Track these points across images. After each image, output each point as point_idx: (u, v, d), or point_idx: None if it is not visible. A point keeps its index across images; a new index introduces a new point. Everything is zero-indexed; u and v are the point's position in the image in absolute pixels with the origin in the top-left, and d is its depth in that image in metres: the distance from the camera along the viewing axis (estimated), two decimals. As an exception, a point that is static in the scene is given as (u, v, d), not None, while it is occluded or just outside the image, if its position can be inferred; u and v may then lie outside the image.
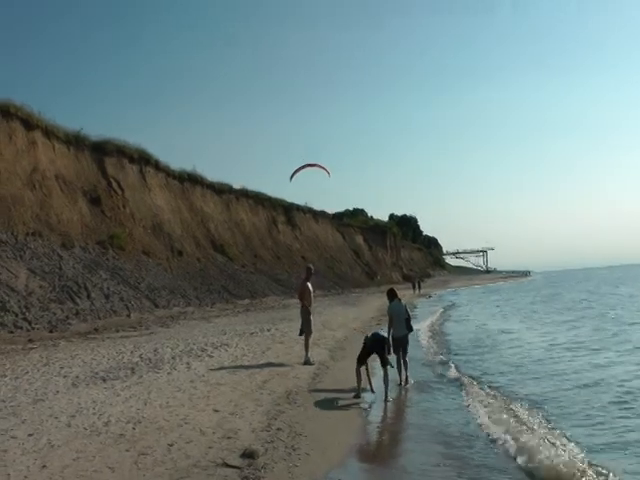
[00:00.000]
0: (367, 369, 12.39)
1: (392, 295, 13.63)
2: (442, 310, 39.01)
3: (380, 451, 8.86)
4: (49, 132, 34.22)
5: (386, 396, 11.56)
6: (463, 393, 12.29)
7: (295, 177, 25.51)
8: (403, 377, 13.20)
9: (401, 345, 13.23)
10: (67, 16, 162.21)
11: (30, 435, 8.02)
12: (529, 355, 17.85)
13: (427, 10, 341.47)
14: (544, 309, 38.17)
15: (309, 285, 15.63)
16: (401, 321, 13.27)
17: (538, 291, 69.50)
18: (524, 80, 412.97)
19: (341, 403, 11.06)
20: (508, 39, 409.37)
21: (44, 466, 6.87)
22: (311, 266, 16.43)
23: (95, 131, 43.52)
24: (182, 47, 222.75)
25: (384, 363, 11.83)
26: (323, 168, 24.96)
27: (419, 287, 68.38)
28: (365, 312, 32.36)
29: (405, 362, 13.35)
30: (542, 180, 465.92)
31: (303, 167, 24.71)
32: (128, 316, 26.05)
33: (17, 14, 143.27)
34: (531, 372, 14.84)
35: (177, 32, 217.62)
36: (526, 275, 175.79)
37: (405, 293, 58.25)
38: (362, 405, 11.10)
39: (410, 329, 13.59)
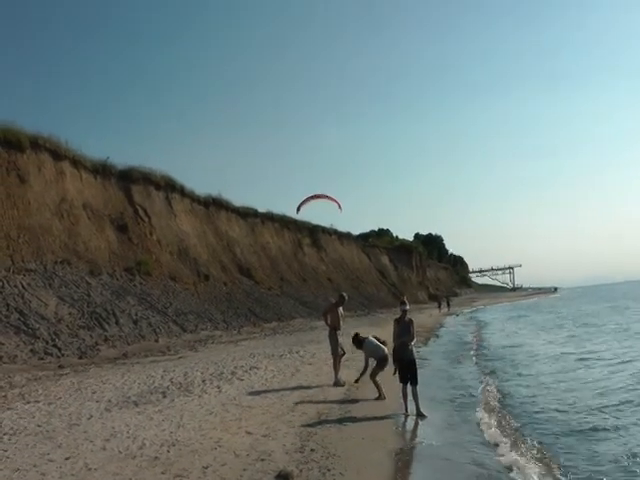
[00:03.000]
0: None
1: (358, 341, 14.26)
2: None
3: (415, 473, 8.79)
4: (77, 162, 34.71)
5: (418, 410, 11.64)
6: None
7: (303, 208, 24.99)
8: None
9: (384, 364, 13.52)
10: (90, 47, 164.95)
11: (67, 459, 8.11)
12: None
13: (447, 26, 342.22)
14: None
15: (340, 309, 15.55)
16: (378, 348, 13.66)
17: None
18: (542, 94, 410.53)
19: (373, 422, 11.00)
20: (527, 53, 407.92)
21: (82, 489, 6.93)
22: (345, 295, 16.19)
23: (121, 158, 44.10)
24: (207, 71, 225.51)
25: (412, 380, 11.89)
26: (334, 200, 24.25)
27: (448, 305, 69.43)
28: (391, 333, 32.13)
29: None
30: (569, 196, 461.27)
31: (311, 198, 24.15)
32: (156, 341, 26.16)
33: (41, 47, 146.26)
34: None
35: (200, 56, 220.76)
36: (553, 292, 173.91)
37: (432, 312, 58.34)
38: (395, 424, 11.03)
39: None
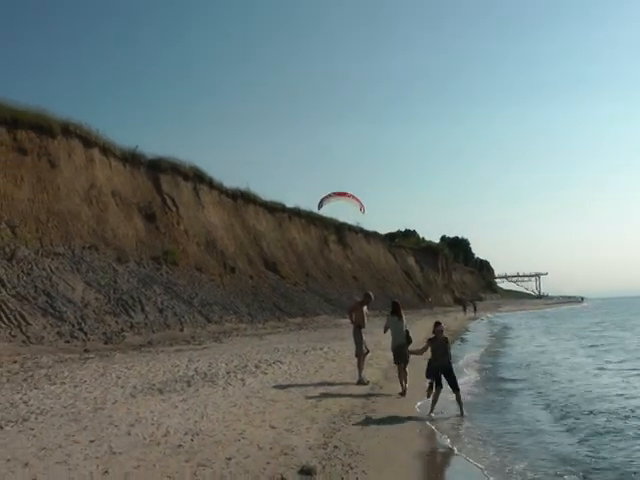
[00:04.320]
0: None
1: (395, 308, 14.20)
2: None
3: (437, 475, 8.72)
4: (106, 150, 35.06)
5: (461, 412, 11.86)
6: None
7: (326, 205, 24.53)
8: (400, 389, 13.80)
9: (400, 355, 13.77)
10: (123, 41, 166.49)
11: (92, 441, 8.14)
12: None
13: (460, 29, 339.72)
14: None
15: (365, 308, 15.51)
16: (400, 333, 13.87)
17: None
18: (577, 106, 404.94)
19: (396, 422, 10.92)
20: (555, 56, 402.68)
21: (106, 472, 6.95)
22: (371, 294, 16.21)
23: (151, 149, 44.31)
24: (237, 70, 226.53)
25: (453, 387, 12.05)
26: (357, 200, 23.69)
27: (474, 310, 69.28)
28: (417, 334, 31.78)
29: (405, 372, 13.80)
30: (600, 206, 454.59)
31: (334, 195, 23.70)
32: (181, 330, 26.29)
33: (73, 40, 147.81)
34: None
35: (229, 53, 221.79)
36: (579, 301, 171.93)
37: (457, 316, 58.08)
38: (419, 426, 10.93)
39: (409, 341, 13.93)
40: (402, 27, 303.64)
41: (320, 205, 24.50)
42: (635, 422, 11.57)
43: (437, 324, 12.56)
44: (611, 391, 15.23)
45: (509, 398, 14.60)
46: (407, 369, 13.88)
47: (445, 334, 12.58)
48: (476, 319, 59.94)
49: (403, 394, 13.55)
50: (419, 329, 34.79)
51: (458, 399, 11.94)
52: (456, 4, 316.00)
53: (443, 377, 11.94)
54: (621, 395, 14.60)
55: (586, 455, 9.27)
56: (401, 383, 13.77)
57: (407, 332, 14.00)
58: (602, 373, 18.92)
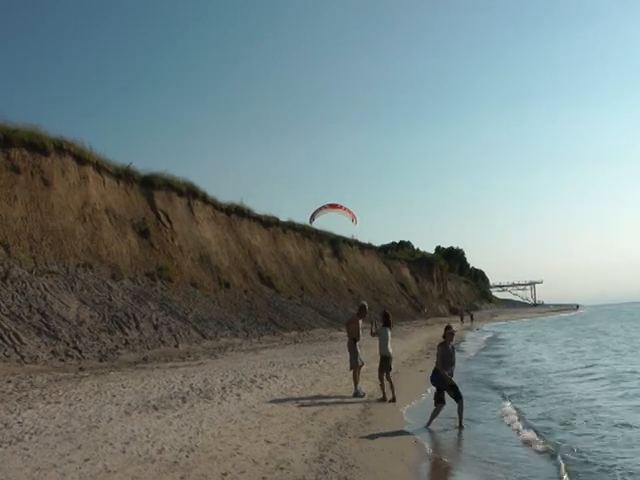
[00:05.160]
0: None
1: (385, 318, 15.08)
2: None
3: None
4: (100, 167, 35.02)
5: (460, 423, 11.93)
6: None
7: (318, 218, 24.52)
8: (389, 396, 14.33)
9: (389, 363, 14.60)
10: (118, 56, 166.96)
11: (86, 460, 8.10)
12: None
13: (454, 32, 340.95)
14: None
15: (360, 321, 15.59)
16: (388, 343, 14.55)
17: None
18: (569, 110, 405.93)
19: (392, 434, 10.92)
20: (551, 67, 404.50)
21: (101, 491, 6.92)
22: (365, 304, 16.25)
23: (144, 166, 44.21)
24: (229, 82, 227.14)
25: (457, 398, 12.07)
26: (349, 212, 23.65)
27: (471, 320, 69.73)
28: (413, 345, 32.03)
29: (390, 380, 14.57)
30: (593, 213, 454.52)
31: (326, 207, 23.67)
32: (176, 346, 26.20)
33: (68, 55, 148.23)
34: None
35: (224, 68, 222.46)
36: (575, 309, 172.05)
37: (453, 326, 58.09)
38: (415, 438, 10.92)
39: None
40: (397, 30, 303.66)
41: (312, 218, 24.52)
42: (607, 416, 11.90)
43: (448, 328, 12.55)
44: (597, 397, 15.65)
45: (503, 408, 14.63)
46: (391, 377, 14.62)
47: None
48: (472, 329, 59.92)
49: (393, 400, 14.11)
50: (415, 342, 34.97)
51: (460, 408, 11.90)
52: (449, 6, 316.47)
53: (446, 392, 11.98)
54: (595, 399, 15.27)
55: (584, 461, 9.34)
56: (391, 389, 14.26)
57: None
58: (594, 378, 19.47)
